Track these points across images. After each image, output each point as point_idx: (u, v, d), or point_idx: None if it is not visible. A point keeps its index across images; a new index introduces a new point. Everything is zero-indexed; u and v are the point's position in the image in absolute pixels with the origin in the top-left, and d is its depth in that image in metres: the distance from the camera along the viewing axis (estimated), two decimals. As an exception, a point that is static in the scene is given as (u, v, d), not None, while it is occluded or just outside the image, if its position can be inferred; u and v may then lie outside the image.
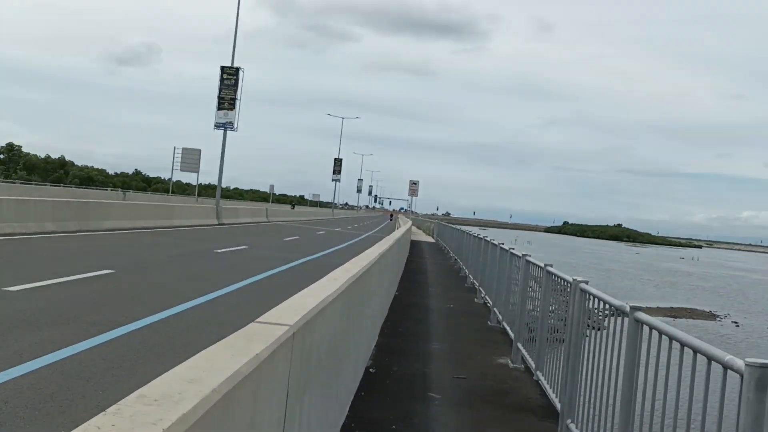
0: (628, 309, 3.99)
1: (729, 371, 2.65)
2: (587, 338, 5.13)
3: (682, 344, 3.14)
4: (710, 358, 2.83)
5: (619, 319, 4.54)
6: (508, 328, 9.75)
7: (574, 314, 5.48)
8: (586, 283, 5.38)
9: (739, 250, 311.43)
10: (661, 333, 3.46)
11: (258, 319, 3.16)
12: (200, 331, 7.85)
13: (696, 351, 2.99)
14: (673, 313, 37.50)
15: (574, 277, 5.55)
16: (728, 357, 2.64)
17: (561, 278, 6.39)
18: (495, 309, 11.40)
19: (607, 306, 4.68)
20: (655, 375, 3.49)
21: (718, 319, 37.96)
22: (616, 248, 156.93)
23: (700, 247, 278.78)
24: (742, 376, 2.51)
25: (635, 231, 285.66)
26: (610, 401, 4.28)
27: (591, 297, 5.17)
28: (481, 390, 7.15)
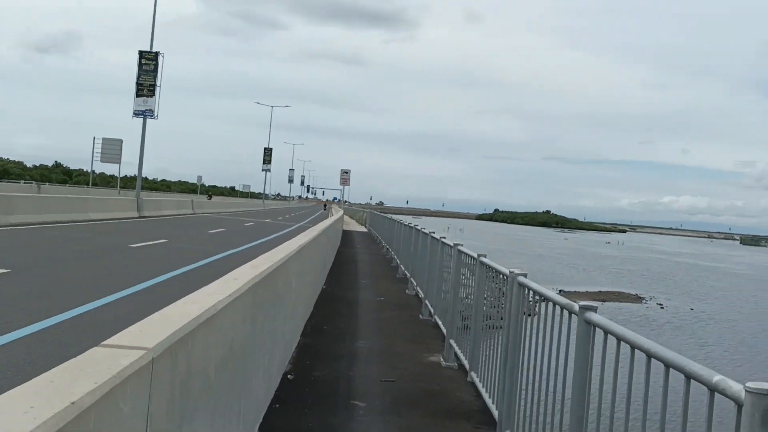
0: (577, 308, 3.38)
1: (717, 394, 2.05)
2: (527, 338, 4.53)
3: (649, 355, 2.54)
4: (689, 376, 2.22)
5: (551, 306, 3.97)
6: (440, 323, 9.17)
7: (511, 310, 4.89)
8: (525, 276, 4.79)
9: (660, 233, 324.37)
10: (619, 339, 2.86)
11: (105, 342, 2.39)
12: (94, 338, 6.92)
13: (668, 365, 2.38)
14: (602, 297, 38.16)
15: (511, 270, 4.95)
16: (717, 378, 2.03)
17: (496, 270, 5.79)
18: (426, 301, 10.82)
19: (551, 304, 4.06)
20: (613, 389, 2.89)
21: (644, 301, 38.89)
22: (545, 234, 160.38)
23: (624, 231, 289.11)
24: (738, 406, 1.91)
25: (563, 217, 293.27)
26: (557, 415, 3.69)
27: (530, 291, 4.58)
28: (411, 394, 6.51)
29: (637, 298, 39.78)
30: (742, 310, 38.20)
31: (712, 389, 2.06)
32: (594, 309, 3.29)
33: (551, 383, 3.86)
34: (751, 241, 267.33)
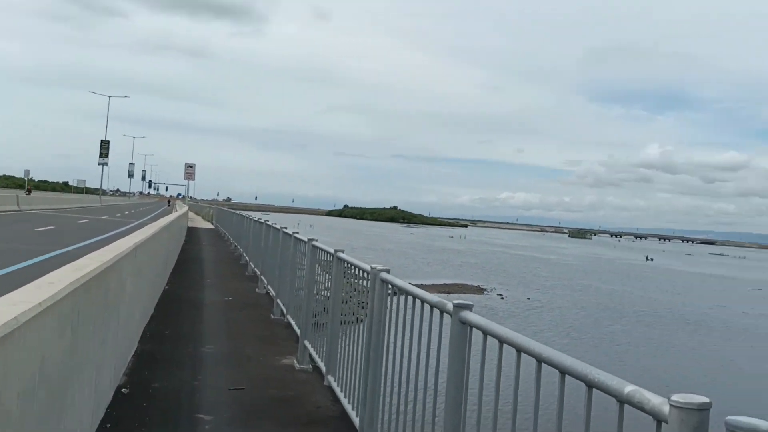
0: (450, 307, 3.07)
1: (627, 407, 1.78)
2: (392, 339, 4.20)
3: (540, 360, 2.25)
4: (592, 385, 1.95)
5: (419, 304, 3.67)
6: (293, 322, 8.69)
7: (374, 308, 4.54)
8: (388, 272, 4.45)
9: (499, 228, 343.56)
10: (502, 341, 2.57)
11: None
12: None
13: (564, 372, 2.10)
14: (447, 289, 39.41)
15: (373, 265, 4.60)
16: (630, 388, 1.76)
17: (356, 266, 5.42)
18: (278, 300, 10.29)
19: (414, 300, 3.73)
20: (495, 397, 2.59)
21: (486, 292, 40.70)
22: (392, 229, 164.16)
23: (466, 226, 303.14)
24: (658, 421, 1.65)
25: (410, 213, 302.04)
26: (428, 424, 3.37)
27: (394, 288, 4.25)
28: (263, 402, 6.00)
29: (479, 290, 41.51)
30: (571, 298, 41.04)
31: (624, 401, 1.79)
32: (469, 307, 2.99)
33: (421, 388, 3.54)
34: (578, 234, 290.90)
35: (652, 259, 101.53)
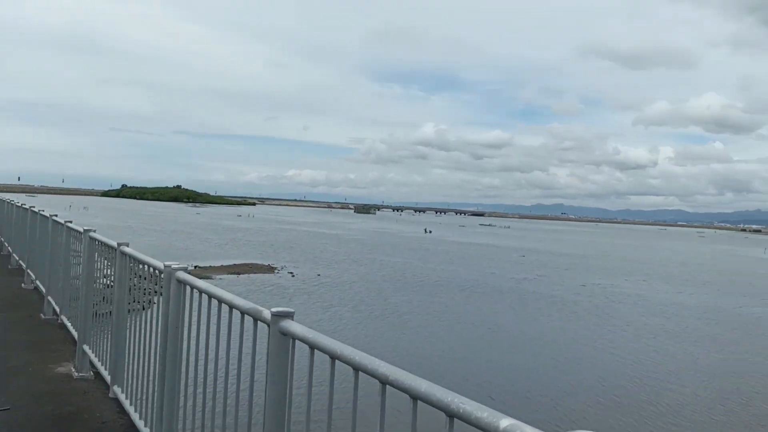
0: (268, 316, 2.68)
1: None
2: (192, 347, 3.70)
3: (384, 382, 1.96)
4: (452, 416, 1.69)
5: (226, 309, 3.26)
6: (69, 324, 7.67)
7: (169, 313, 3.99)
8: (185, 270, 3.93)
9: (287, 205, 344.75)
10: (334, 358, 2.24)
11: None
12: None
13: (417, 398, 1.83)
14: (237, 269, 38.61)
15: (168, 263, 4.03)
16: (507, 422, 1.52)
17: (146, 264, 4.76)
18: (50, 297, 9.08)
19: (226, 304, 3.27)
20: (327, 421, 2.26)
21: (276, 271, 40.53)
22: (177, 209, 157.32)
23: (254, 204, 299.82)
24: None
25: (195, 192, 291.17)
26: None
27: (193, 290, 3.74)
28: (36, 422, 5.14)
29: (270, 269, 41.20)
30: (358, 272, 42.31)
31: (499, 435, 1.56)
32: (290, 315, 2.63)
33: (232, 406, 3.12)
34: (362, 209, 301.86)
35: (430, 232, 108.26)
